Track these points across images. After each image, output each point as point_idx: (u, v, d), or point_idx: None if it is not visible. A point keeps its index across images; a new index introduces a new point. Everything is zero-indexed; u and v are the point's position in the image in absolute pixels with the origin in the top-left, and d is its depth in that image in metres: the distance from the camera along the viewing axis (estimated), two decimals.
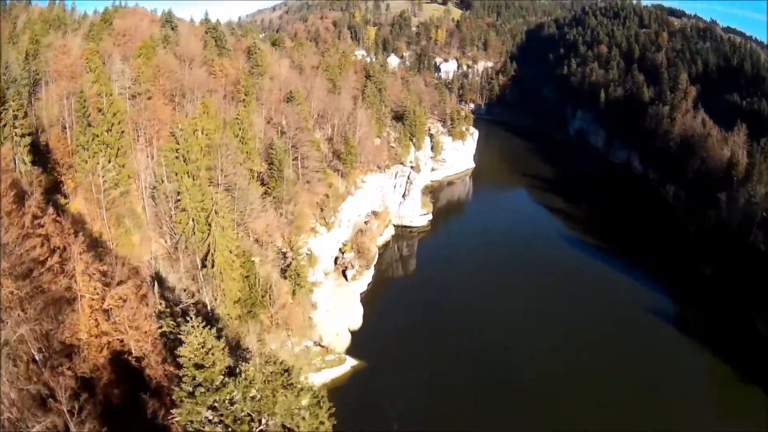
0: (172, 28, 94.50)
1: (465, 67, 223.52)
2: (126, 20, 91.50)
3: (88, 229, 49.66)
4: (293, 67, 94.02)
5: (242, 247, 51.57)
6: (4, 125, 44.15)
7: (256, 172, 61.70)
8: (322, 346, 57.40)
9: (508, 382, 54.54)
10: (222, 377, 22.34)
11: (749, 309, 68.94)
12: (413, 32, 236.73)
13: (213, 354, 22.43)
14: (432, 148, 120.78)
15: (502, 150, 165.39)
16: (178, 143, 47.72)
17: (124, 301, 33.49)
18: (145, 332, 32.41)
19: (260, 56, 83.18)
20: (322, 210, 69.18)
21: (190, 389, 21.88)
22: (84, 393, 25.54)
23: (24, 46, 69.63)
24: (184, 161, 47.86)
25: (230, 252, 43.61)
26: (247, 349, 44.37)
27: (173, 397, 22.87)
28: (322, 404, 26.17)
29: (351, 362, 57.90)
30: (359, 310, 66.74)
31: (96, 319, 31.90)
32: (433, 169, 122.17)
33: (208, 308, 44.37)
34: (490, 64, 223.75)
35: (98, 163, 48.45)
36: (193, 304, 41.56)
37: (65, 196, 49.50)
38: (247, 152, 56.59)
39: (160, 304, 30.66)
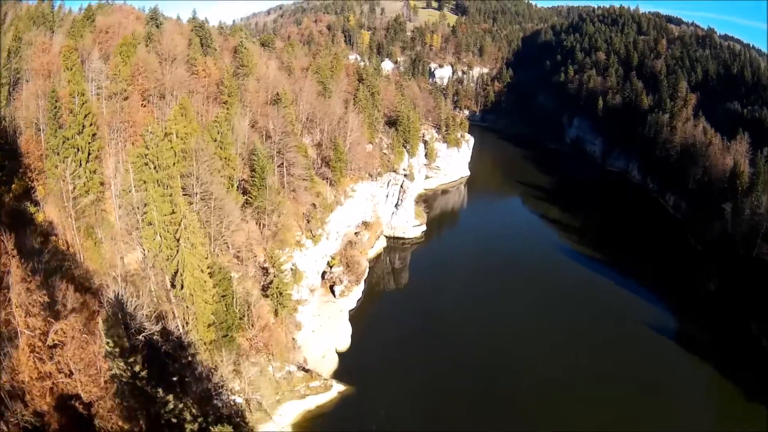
0: (157, 26, 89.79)
1: (460, 73, 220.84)
2: (110, 17, 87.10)
3: (58, 239, 45.65)
4: (282, 68, 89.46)
5: (219, 263, 46.96)
6: None
7: (237, 180, 57.04)
8: (307, 371, 52.63)
9: (505, 404, 51.60)
10: None
11: (753, 325, 66.76)
12: (408, 37, 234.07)
13: None
14: (426, 155, 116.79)
15: (498, 158, 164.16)
16: (148, 148, 43.02)
17: (73, 336, 28.86)
18: (94, 374, 27.75)
19: (246, 56, 78.64)
20: (308, 221, 64.41)
21: None
22: None
23: (7, 44, 65.83)
24: (155, 168, 43.13)
25: (201, 271, 38.85)
26: (222, 383, 39.80)
27: None
28: None
29: (338, 388, 53.35)
30: (348, 330, 62.17)
31: (35, 360, 27.22)
32: (427, 177, 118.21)
33: (180, 333, 39.56)
34: (485, 70, 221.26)
35: (67, 168, 44.94)
36: (158, 331, 36.92)
37: (36, 204, 46.16)
38: (225, 158, 51.90)
39: (108, 343, 25.83)
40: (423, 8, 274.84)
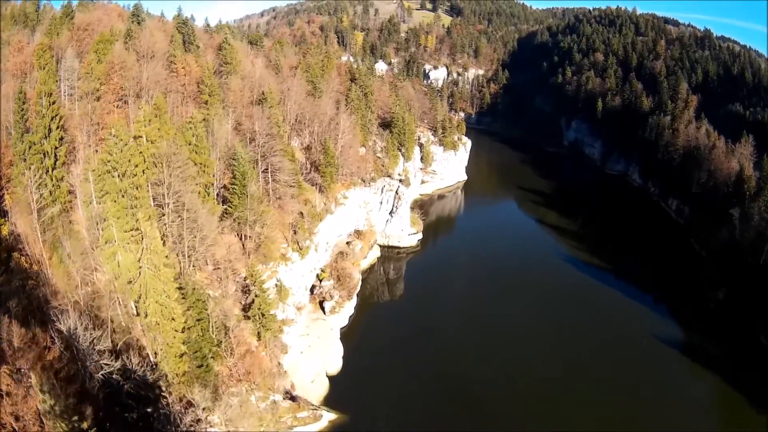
0: (138, 23, 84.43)
1: (455, 75, 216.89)
2: (90, 14, 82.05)
3: (21, 255, 40.63)
4: (269, 66, 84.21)
5: (193, 283, 41.84)
6: None
7: (217, 188, 51.94)
8: (294, 399, 47.57)
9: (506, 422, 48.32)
10: None
11: (762, 336, 64.23)
12: (402, 38, 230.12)
13: None
14: (422, 158, 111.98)
15: (494, 161, 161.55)
16: (111, 153, 37.86)
17: (8, 392, 23.80)
18: None
19: (230, 52, 73.44)
20: (295, 232, 59.15)
21: None
22: None
23: None
24: (119, 176, 37.95)
25: (168, 297, 33.70)
26: (196, 421, 34.72)
27: None
28: None
29: (328, 416, 48.53)
30: (339, 350, 57.17)
31: None
32: (422, 182, 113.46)
33: (145, 368, 34.30)
34: (481, 71, 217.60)
35: (31, 176, 40.33)
36: (118, 369, 31.82)
37: (3, 214, 41.90)
38: (201, 164, 46.76)
39: (44, 401, 20.80)
40: (417, 9, 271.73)
